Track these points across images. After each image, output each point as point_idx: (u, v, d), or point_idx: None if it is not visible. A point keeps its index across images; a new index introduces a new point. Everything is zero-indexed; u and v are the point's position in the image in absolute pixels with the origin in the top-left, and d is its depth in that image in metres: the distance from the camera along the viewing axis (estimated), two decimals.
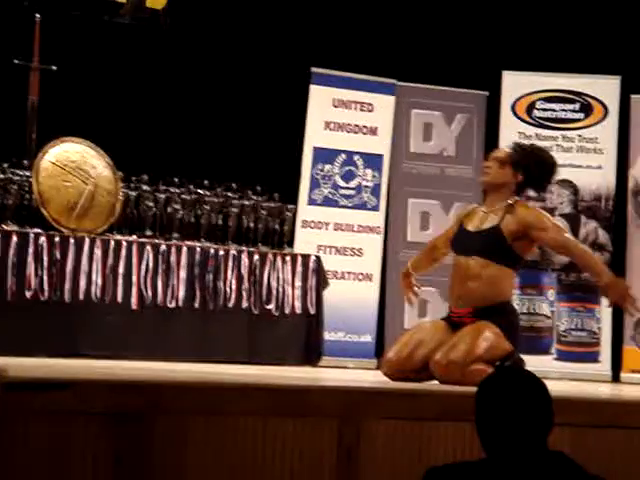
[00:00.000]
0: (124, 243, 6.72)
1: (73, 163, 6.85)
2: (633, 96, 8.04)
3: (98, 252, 6.60)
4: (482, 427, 2.68)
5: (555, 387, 4.89)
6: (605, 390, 6.71)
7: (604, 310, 7.99)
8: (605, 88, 8.17)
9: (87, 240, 6.60)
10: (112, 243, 6.68)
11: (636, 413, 4.46)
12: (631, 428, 4.34)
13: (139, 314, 6.66)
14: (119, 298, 6.60)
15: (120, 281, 6.62)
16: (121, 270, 6.63)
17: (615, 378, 7.82)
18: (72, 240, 6.56)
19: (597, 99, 8.18)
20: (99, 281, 6.55)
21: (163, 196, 7.16)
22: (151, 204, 7.11)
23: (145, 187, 7.16)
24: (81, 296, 6.49)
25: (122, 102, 7.78)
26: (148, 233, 7.03)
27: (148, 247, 6.77)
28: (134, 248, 6.72)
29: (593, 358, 7.93)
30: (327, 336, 7.43)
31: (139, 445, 3.51)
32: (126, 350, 6.41)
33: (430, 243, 5.78)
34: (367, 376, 6.24)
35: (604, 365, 7.92)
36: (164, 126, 7.91)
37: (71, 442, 3.43)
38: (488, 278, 5.17)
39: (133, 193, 7.10)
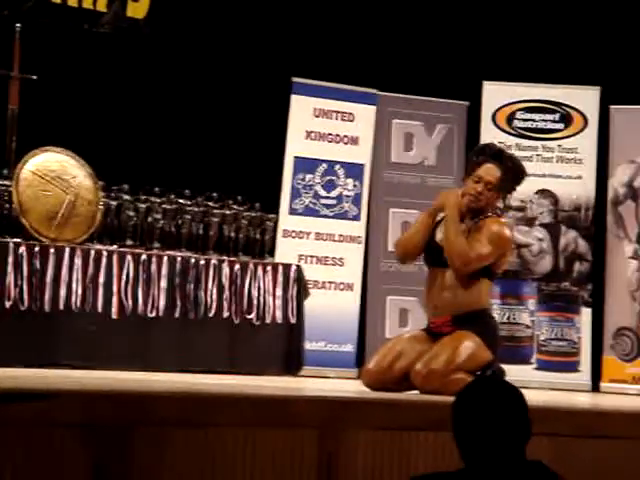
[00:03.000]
0: (104, 253, 6.70)
1: (53, 172, 6.83)
2: (612, 106, 8.09)
3: (78, 262, 6.58)
4: (460, 437, 2.68)
5: (535, 397, 4.91)
6: (584, 400, 6.73)
7: (584, 320, 8.02)
8: (585, 98, 8.21)
9: (67, 250, 6.58)
10: (92, 253, 6.66)
11: (615, 423, 4.48)
12: (610, 438, 4.36)
13: (119, 324, 6.64)
14: (99, 308, 6.58)
15: (100, 291, 6.60)
16: (101, 280, 6.61)
17: (595, 388, 7.84)
18: (52, 250, 6.53)
19: (577, 109, 8.22)
20: (79, 291, 6.53)
21: (144, 206, 7.15)
22: (132, 214, 7.09)
23: (126, 197, 7.14)
24: (61, 306, 6.46)
25: (103, 112, 7.77)
26: (129, 243, 7.01)
27: (129, 257, 6.76)
28: (115, 258, 6.70)
29: (573, 368, 7.96)
30: (308, 346, 7.42)
31: (119, 457, 3.50)
32: (106, 360, 6.38)
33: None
34: (348, 386, 6.25)
35: (584, 375, 7.94)
36: (145, 136, 7.90)
37: (50, 454, 3.42)
38: (464, 287, 5.19)
39: (114, 203, 7.08)
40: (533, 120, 8.27)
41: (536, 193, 8.19)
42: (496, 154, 5.42)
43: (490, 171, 5.31)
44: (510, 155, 5.59)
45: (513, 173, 5.36)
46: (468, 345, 5.10)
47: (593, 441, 4.30)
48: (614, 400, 6.87)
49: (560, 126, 8.24)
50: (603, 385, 7.83)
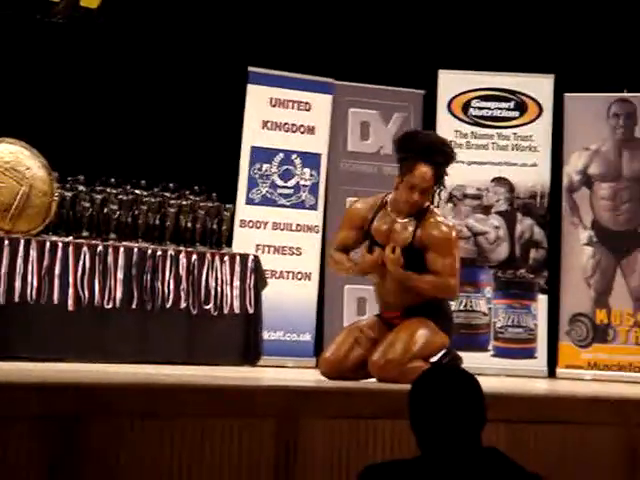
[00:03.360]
0: (60, 244, 6.66)
1: (7, 164, 6.77)
2: (566, 94, 8.14)
3: (34, 253, 6.53)
4: (416, 425, 2.70)
5: (491, 383, 4.95)
6: (540, 386, 6.78)
7: (540, 306, 8.08)
8: (539, 86, 8.26)
9: (22, 241, 6.53)
10: (48, 244, 6.61)
11: (570, 408, 4.52)
12: (566, 423, 4.39)
13: (76, 315, 6.60)
14: (55, 299, 6.54)
15: (56, 282, 6.55)
16: (57, 271, 6.57)
17: (551, 374, 7.91)
18: (7, 241, 6.48)
19: (531, 97, 8.27)
20: (35, 282, 6.49)
21: (100, 196, 7.10)
22: (87, 205, 7.05)
23: (81, 187, 7.10)
24: (16, 298, 6.41)
25: (57, 102, 7.70)
26: (85, 234, 6.97)
27: (85, 248, 6.72)
28: (70, 249, 6.66)
29: (529, 354, 8.02)
30: (266, 335, 7.42)
31: (74, 449, 3.48)
32: (63, 352, 6.35)
33: (340, 244, 5.53)
34: (306, 375, 6.25)
35: (540, 361, 8.00)
36: (100, 126, 7.85)
37: (4, 446, 3.39)
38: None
39: (69, 194, 7.03)
40: (488, 108, 8.31)
41: (492, 181, 8.23)
42: (426, 150, 5.15)
43: (425, 176, 5.11)
44: (439, 145, 5.26)
45: (445, 165, 5.22)
46: (423, 332, 5.11)
47: (548, 427, 4.34)
48: (569, 386, 6.94)
49: (515, 114, 8.29)
50: (559, 371, 7.91)
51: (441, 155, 5.19)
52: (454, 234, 5.24)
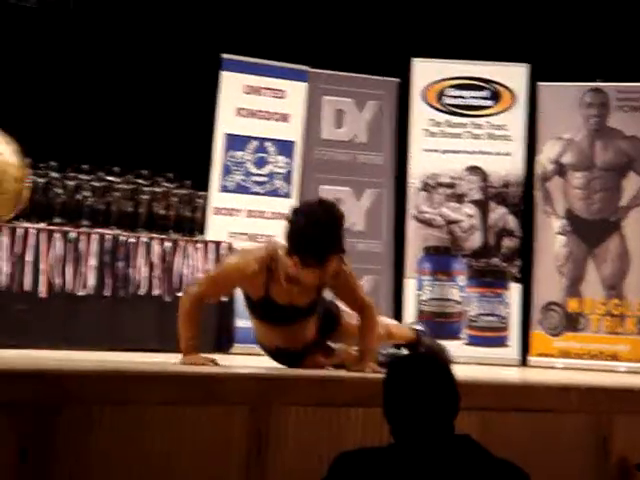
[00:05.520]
0: (32, 231, 6.62)
1: None
2: (540, 83, 8.16)
3: (5, 240, 6.50)
4: (389, 412, 2.70)
5: (464, 372, 4.96)
6: (512, 374, 6.81)
7: (513, 295, 8.11)
8: (513, 75, 8.28)
9: None
10: (20, 231, 6.57)
11: (541, 396, 4.54)
12: (537, 411, 4.42)
13: (48, 302, 6.58)
14: (27, 286, 6.51)
15: (28, 269, 6.52)
16: (29, 258, 6.54)
17: (523, 362, 7.94)
18: None
19: (505, 86, 8.28)
20: (6, 269, 6.45)
21: (72, 183, 7.07)
22: (60, 191, 7.02)
23: (54, 174, 7.06)
24: None
25: (30, 87, 7.66)
26: (57, 220, 6.94)
27: (57, 235, 6.69)
28: (43, 236, 6.62)
29: (502, 342, 8.05)
30: (239, 323, 7.40)
31: (44, 436, 3.47)
32: (34, 339, 6.32)
33: (195, 301, 5.02)
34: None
35: (513, 349, 8.03)
36: (73, 112, 7.81)
37: None
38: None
39: (41, 180, 6.99)
40: (462, 97, 8.32)
41: (466, 170, 8.25)
42: (324, 251, 4.56)
43: (333, 267, 4.64)
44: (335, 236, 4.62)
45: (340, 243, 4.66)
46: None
47: (520, 415, 4.36)
48: (541, 374, 6.97)
49: (489, 103, 8.30)
50: (531, 359, 7.94)
51: (333, 247, 4.64)
52: (345, 267, 4.82)
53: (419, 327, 5.62)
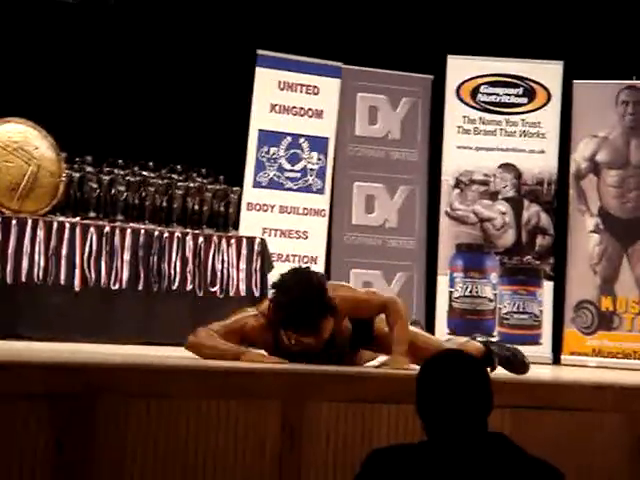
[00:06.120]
0: (67, 225, 6.66)
1: (15, 144, 6.77)
2: (575, 81, 8.13)
3: (41, 233, 6.54)
4: (423, 410, 2.70)
5: (497, 370, 4.96)
6: (545, 372, 6.79)
7: (546, 293, 8.09)
8: (548, 73, 8.25)
9: (30, 221, 6.54)
10: (55, 225, 6.62)
11: (574, 395, 4.52)
12: (570, 409, 4.40)
13: (82, 296, 6.62)
14: (62, 280, 6.55)
15: (63, 263, 6.57)
16: (64, 252, 6.58)
17: (555, 360, 7.92)
18: (14, 221, 6.49)
19: (540, 84, 8.26)
20: (42, 263, 6.50)
21: (107, 177, 7.11)
22: (95, 185, 7.06)
23: (89, 168, 7.11)
24: (23, 278, 6.43)
25: (67, 82, 7.71)
26: (92, 215, 6.98)
27: (92, 229, 6.73)
28: (77, 230, 6.67)
29: (534, 340, 8.03)
30: None
31: (80, 428, 3.50)
32: (69, 332, 6.36)
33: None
34: None
35: (545, 347, 8.02)
36: (109, 107, 7.85)
37: (11, 425, 3.41)
38: None
39: (77, 174, 7.04)
40: (497, 94, 8.30)
41: (499, 167, 8.23)
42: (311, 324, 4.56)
43: (330, 327, 4.64)
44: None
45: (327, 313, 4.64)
46: None
47: (553, 413, 4.35)
48: (574, 372, 6.95)
49: (524, 100, 8.28)
50: (564, 357, 7.92)
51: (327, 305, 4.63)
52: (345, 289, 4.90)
53: (480, 338, 5.50)
